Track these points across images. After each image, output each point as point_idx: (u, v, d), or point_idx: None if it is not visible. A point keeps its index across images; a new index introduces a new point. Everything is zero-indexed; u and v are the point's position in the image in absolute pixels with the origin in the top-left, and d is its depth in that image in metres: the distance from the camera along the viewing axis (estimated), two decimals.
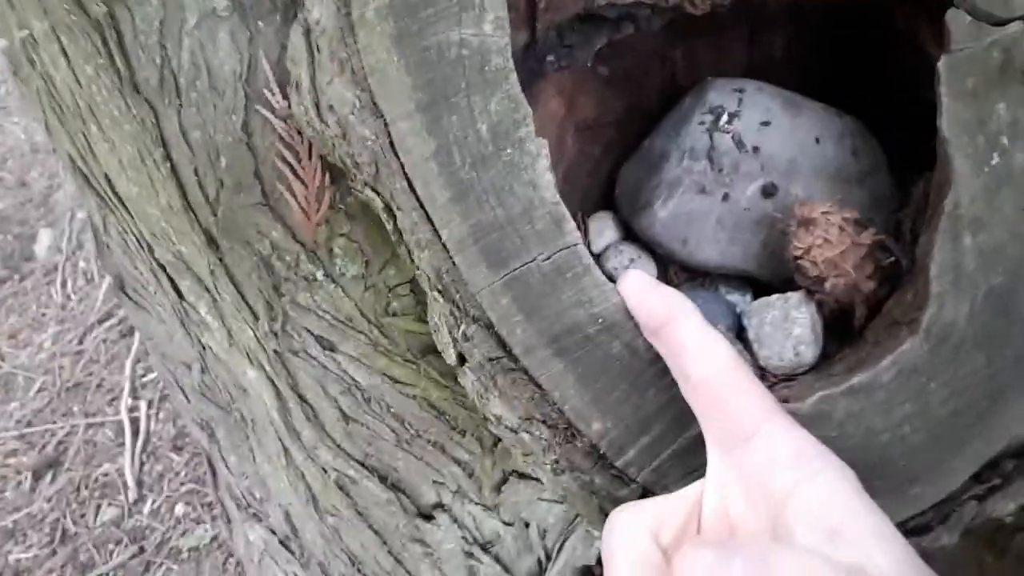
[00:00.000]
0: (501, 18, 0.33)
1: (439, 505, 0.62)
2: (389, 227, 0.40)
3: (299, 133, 0.44)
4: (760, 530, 0.28)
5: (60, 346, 2.08)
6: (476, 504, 0.63)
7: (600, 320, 0.35)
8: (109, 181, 0.58)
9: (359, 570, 0.70)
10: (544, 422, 0.38)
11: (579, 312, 0.35)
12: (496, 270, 0.35)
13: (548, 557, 0.67)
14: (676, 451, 0.36)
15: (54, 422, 1.91)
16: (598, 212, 0.51)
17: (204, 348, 0.66)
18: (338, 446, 0.59)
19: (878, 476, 0.36)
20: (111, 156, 0.55)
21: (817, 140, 0.45)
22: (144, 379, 1.98)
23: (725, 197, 0.45)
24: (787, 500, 0.28)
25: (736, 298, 0.47)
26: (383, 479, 0.61)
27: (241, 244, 0.51)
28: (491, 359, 0.37)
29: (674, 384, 0.33)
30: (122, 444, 1.84)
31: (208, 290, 0.58)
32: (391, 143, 0.34)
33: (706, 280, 0.47)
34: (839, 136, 0.45)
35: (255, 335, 0.56)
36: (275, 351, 0.56)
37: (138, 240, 0.61)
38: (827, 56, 0.52)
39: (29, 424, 1.91)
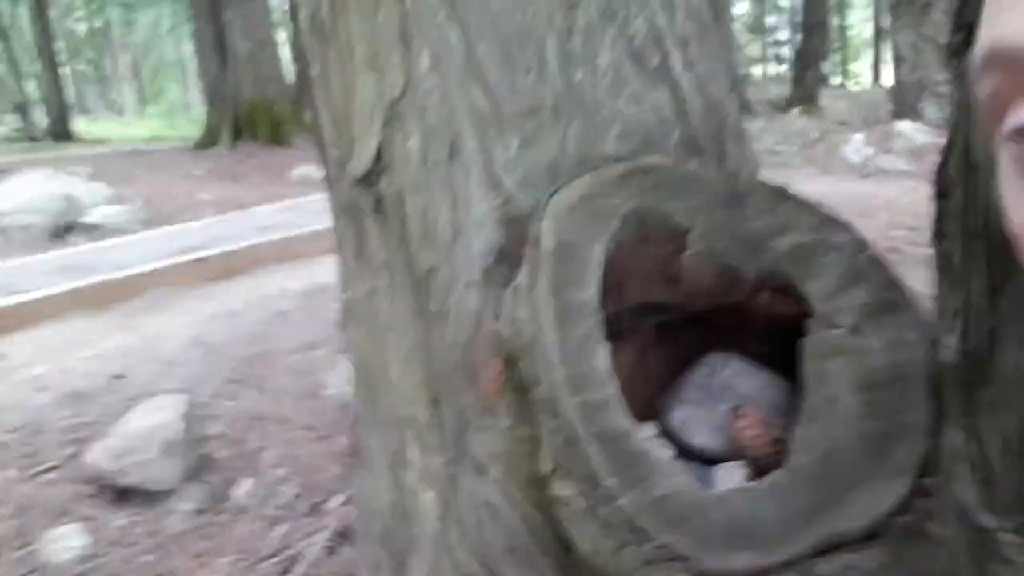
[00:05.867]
0: (598, 288, 0.78)
1: None
2: (530, 383, 0.82)
3: (498, 341, 0.89)
4: None
5: (233, 571, 2.47)
6: None
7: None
8: (385, 371, 1.05)
9: None
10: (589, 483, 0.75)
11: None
12: (576, 397, 0.76)
13: None
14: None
15: None
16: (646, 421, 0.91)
17: (401, 486, 1.06)
18: (470, 547, 0.95)
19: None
20: (394, 354, 1.03)
21: (764, 387, 0.84)
22: None
23: (711, 409, 0.84)
24: None
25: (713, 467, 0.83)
26: None
27: (451, 402, 0.95)
28: (566, 443, 0.76)
29: None
30: None
31: (421, 435, 1.00)
32: (540, 334, 0.78)
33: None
34: (778, 388, 0.84)
35: (442, 464, 0.97)
36: (450, 476, 0.96)
37: (390, 409, 1.06)
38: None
39: None
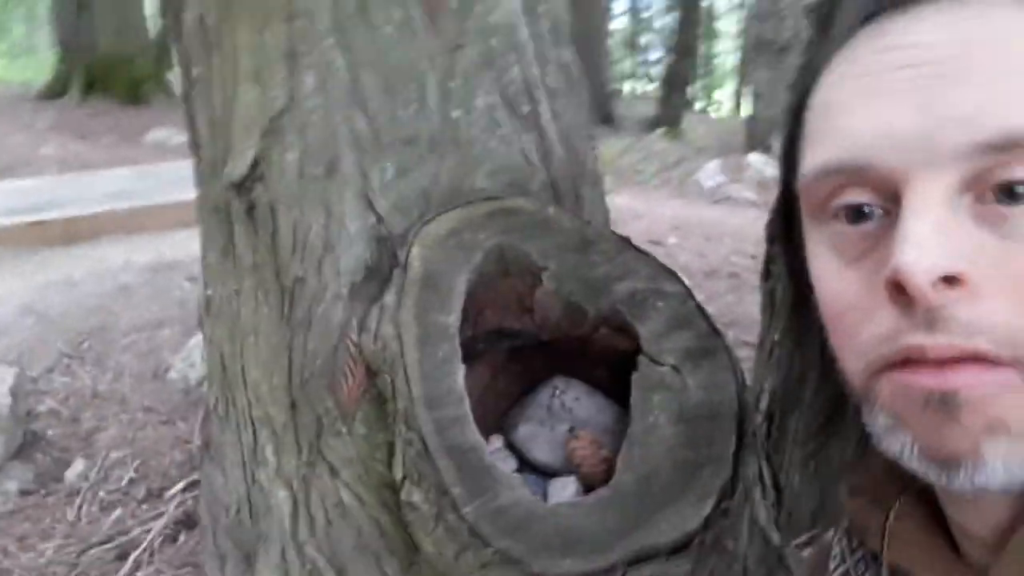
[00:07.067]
0: (459, 314, 0.85)
1: None
2: (389, 396, 0.88)
3: (360, 354, 0.94)
4: None
5: (59, 556, 2.37)
6: None
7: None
8: (244, 371, 1.08)
9: None
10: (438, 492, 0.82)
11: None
12: (432, 413, 0.83)
13: None
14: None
15: None
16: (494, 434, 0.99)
17: (254, 482, 1.10)
18: (319, 544, 1.00)
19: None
20: (254, 356, 1.06)
21: (598, 411, 0.95)
22: None
23: (552, 428, 0.94)
24: None
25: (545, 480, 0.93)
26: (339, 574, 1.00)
27: (308, 407, 0.99)
28: (418, 454, 0.83)
29: None
30: None
31: (276, 436, 1.04)
32: (403, 352, 0.84)
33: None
34: (611, 411, 0.95)
35: (296, 464, 1.01)
36: (304, 476, 1.01)
37: (246, 408, 1.09)
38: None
39: None
